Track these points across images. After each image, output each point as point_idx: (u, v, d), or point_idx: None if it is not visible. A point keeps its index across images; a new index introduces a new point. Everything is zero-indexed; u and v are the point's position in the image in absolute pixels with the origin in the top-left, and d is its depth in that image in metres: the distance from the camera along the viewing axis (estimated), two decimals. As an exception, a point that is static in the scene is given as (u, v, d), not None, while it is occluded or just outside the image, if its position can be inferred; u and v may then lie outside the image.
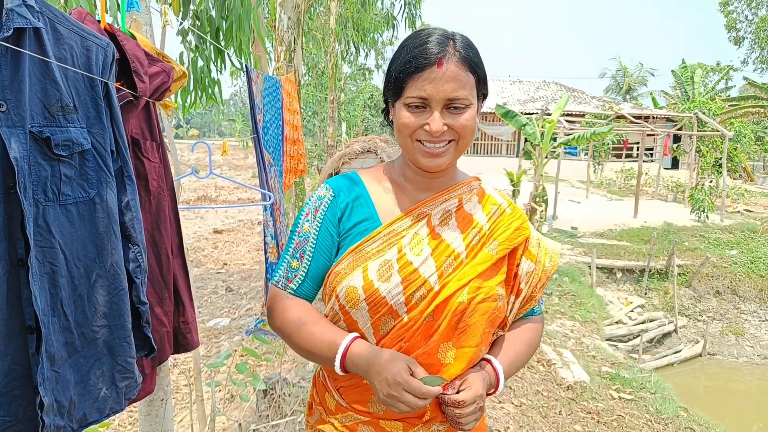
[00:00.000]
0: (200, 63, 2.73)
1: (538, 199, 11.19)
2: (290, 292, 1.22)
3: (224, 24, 2.67)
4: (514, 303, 1.27)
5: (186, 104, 2.74)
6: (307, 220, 1.23)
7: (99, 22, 1.33)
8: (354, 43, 8.96)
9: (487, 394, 1.17)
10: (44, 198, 1.11)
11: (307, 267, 1.21)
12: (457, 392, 1.12)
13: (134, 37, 1.44)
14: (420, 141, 1.14)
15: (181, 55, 2.68)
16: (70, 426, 1.19)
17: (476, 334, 1.16)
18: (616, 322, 9.87)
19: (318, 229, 1.21)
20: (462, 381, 1.13)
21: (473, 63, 1.13)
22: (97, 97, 1.20)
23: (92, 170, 1.19)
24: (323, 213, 1.22)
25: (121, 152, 1.26)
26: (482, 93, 1.19)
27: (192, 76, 2.71)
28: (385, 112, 1.24)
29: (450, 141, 1.15)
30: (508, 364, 1.22)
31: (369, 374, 1.08)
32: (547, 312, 7.64)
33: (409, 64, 1.11)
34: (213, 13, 2.65)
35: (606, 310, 9.69)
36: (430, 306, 1.14)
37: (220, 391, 3.87)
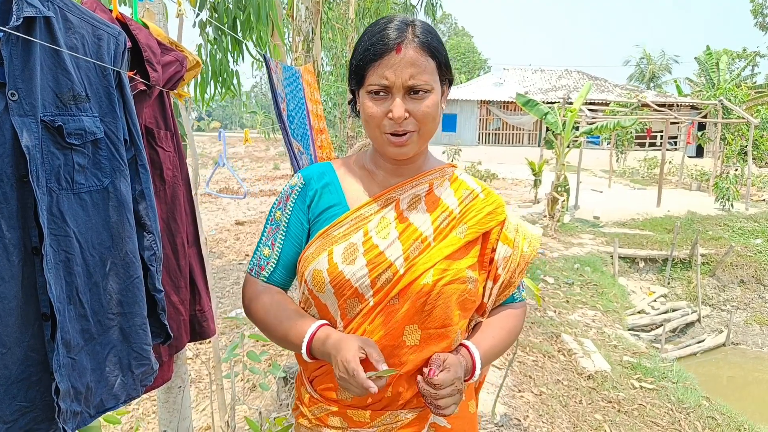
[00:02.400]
0: (218, 55, 2.74)
1: (559, 189, 11.07)
2: (263, 280, 1.25)
3: (242, 15, 2.67)
4: (492, 289, 1.27)
5: (205, 97, 2.75)
6: (279, 209, 1.26)
7: (111, 11, 1.33)
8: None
9: (464, 380, 1.16)
10: (58, 187, 1.11)
11: (278, 254, 1.24)
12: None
13: (147, 27, 1.44)
14: (388, 134, 1.14)
15: (199, 47, 2.69)
16: (87, 412, 1.20)
17: (443, 317, 1.16)
18: (639, 312, 9.74)
19: (288, 216, 1.24)
20: (442, 363, 1.12)
21: (432, 48, 1.13)
22: (109, 86, 1.20)
23: (105, 159, 1.20)
24: (293, 201, 1.24)
25: (135, 141, 1.26)
26: (446, 78, 1.20)
27: (210, 69, 2.72)
28: (353, 102, 1.24)
29: (412, 131, 1.15)
30: (485, 350, 1.21)
31: (329, 357, 1.10)
32: (568, 302, 7.57)
33: (368, 51, 1.12)
34: (231, 4, 2.65)
35: (628, 300, 9.57)
36: (395, 288, 1.14)
37: (242, 380, 3.91)
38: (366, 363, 1.05)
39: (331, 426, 1.21)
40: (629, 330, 8.16)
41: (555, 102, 14.03)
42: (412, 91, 1.12)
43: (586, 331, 6.64)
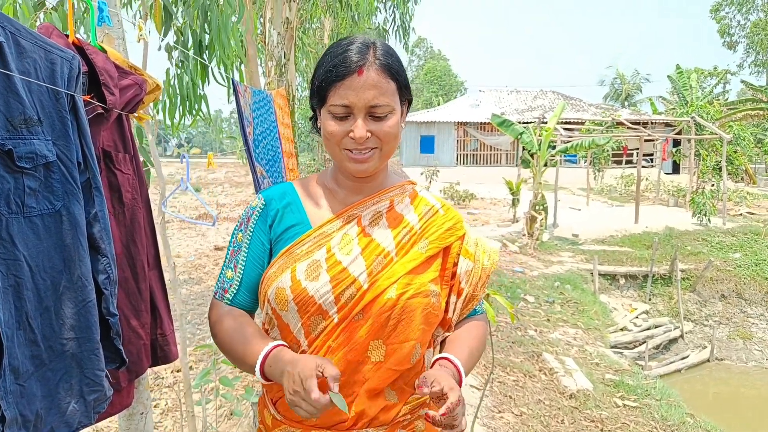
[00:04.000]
0: (186, 79, 2.74)
1: (537, 208, 11.18)
2: (227, 302, 1.24)
3: (207, 37, 2.69)
4: (456, 303, 1.29)
5: (174, 121, 2.74)
6: (240, 230, 1.26)
7: (67, 36, 1.34)
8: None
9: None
10: (8, 210, 1.10)
11: (240, 276, 1.24)
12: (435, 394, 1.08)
13: (105, 51, 1.45)
14: (348, 150, 1.16)
15: (167, 71, 2.69)
16: (38, 440, 1.17)
17: (408, 331, 1.16)
18: (621, 329, 9.78)
19: (250, 238, 1.24)
20: (431, 380, 1.09)
21: (393, 70, 1.16)
22: (62, 109, 1.20)
23: (58, 182, 1.19)
24: (254, 222, 1.25)
25: (89, 164, 1.26)
26: (406, 99, 1.22)
27: (179, 93, 2.72)
28: (313, 119, 1.26)
29: (374, 148, 1.17)
30: (464, 360, 1.22)
31: (282, 376, 1.06)
32: (548, 320, 7.59)
33: (330, 72, 1.13)
34: (197, 28, 2.67)
35: (610, 317, 9.62)
36: (359, 304, 1.15)
37: (216, 407, 3.84)
38: (321, 386, 1.03)
39: None
40: (612, 348, 8.19)
41: (531, 122, 14.26)
42: (374, 112, 1.14)
43: (568, 350, 6.66)
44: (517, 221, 13.12)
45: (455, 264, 1.27)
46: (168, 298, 1.68)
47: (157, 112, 2.55)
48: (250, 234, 1.24)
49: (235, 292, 1.24)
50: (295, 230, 1.22)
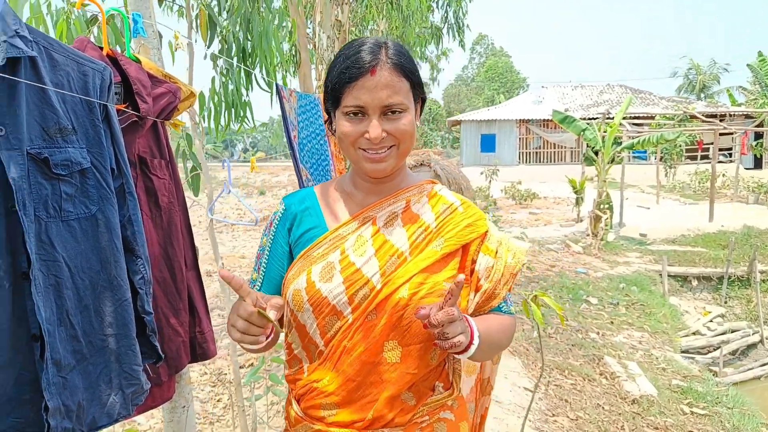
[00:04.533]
0: (231, 86, 2.83)
1: (602, 207, 10.79)
2: None
3: (249, 45, 2.77)
4: (473, 300, 1.26)
5: (219, 128, 2.84)
6: (265, 234, 1.31)
7: (101, 48, 1.42)
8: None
9: (460, 352, 1.10)
10: (46, 215, 1.18)
11: (263, 278, 1.28)
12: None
13: (139, 61, 1.52)
14: (363, 149, 1.17)
15: (213, 79, 2.79)
16: (79, 428, 1.25)
17: (423, 332, 1.14)
18: (693, 333, 9.28)
19: (271, 241, 1.28)
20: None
21: (406, 69, 1.16)
22: (95, 118, 1.28)
23: (93, 188, 1.27)
24: (276, 226, 1.29)
25: (122, 170, 1.33)
26: (419, 97, 1.23)
27: (223, 100, 2.82)
28: (329, 122, 1.27)
29: (391, 146, 1.17)
30: (479, 326, 1.14)
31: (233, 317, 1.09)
32: (612, 323, 7.30)
33: (343, 74, 1.14)
34: (240, 36, 2.75)
35: (681, 321, 9.14)
36: (372, 304, 1.15)
37: (272, 403, 3.94)
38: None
39: None
40: (683, 352, 7.79)
41: (596, 118, 13.79)
42: (388, 111, 1.15)
43: (632, 354, 6.39)
44: (581, 221, 12.71)
45: (474, 261, 1.25)
46: (206, 298, 1.75)
47: (204, 118, 2.65)
48: (272, 238, 1.28)
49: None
50: (312, 233, 1.24)
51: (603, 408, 4.58)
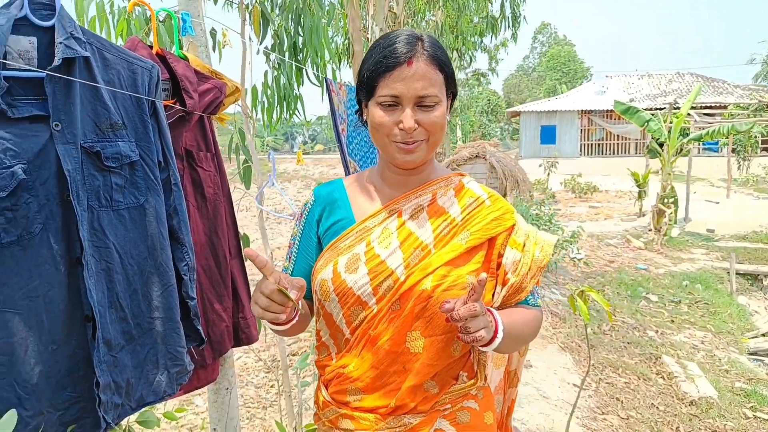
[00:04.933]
0: (283, 80, 2.91)
1: (666, 201, 10.36)
2: None
3: (300, 39, 2.83)
4: (500, 293, 1.26)
5: (272, 121, 2.92)
6: (296, 225, 1.35)
7: (151, 47, 1.50)
8: (455, 49, 8.94)
9: (484, 345, 1.11)
10: (98, 204, 1.27)
11: (293, 267, 1.33)
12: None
13: (187, 59, 1.60)
14: (396, 141, 1.18)
15: (265, 74, 2.88)
16: (128, 404, 1.34)
17: (445, 323, 1.15)
18: (763, 335, 8.79)
19: (301, 232, 1.33)
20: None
21: (441, 61, 1.17)
22: (143, 114, 1.35)
23: (141, 179, 1.35)
24: (305, 217, 1.33)
25: (169, 162, 1.41)
26: (451, 91, 1.23)
27: (276, 94, 2.90)
28: (360, 113, 1.29)
29: (422, 139, 1.18)
30: (504, 320, 1.15)
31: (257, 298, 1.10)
32: (672, 321, 7.03)
33: (379, 64, 1.16)
34: (291, 31, 2.82)
35: (749, 321, 8.68)
36: (396, 295, 1.17)
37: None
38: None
39: (341, 428, 1.25)
40: (750, 354, 7.41)
41: (662, 108, 13.21)
42: (422, 103, 1.16)
43: (693, 354, 6.13)
44: (644, 215, 12.26)
45: (500, 255, 1.26)
46: (249, 285, 1.82)
47: (257, 111, 2.74)
48: (302, 228, 1.33)
49: None
50: (339, 225, 1.28)
51: (657, 408, 4.43)
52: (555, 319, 6.33)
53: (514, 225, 1.28)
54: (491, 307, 1.27)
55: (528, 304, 1.30)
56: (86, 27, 2.22)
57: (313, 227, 1.31)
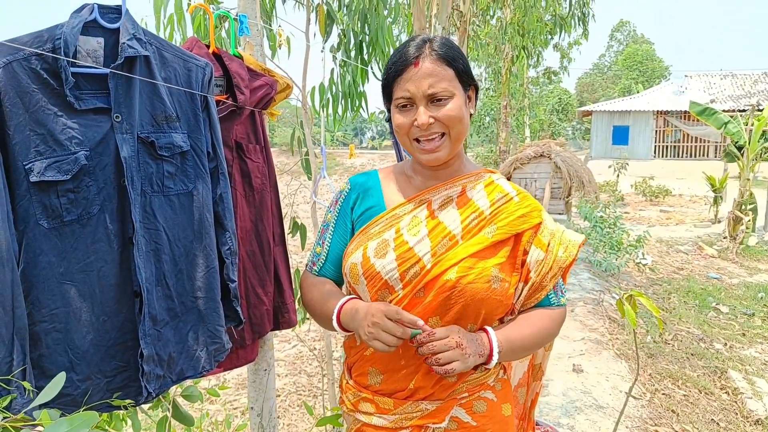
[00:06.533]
0: (348, 78, 3.00)
1: (743, 207, 9.79)
2: (315, 274, 1.41)
3: (367, 38, 2.91)
4: (522, 290, 1.29)
5: (336, 116, 3.02)
6: (329, 212, 1.42)
7: (208, 46, 1.60)
8: (522, 47, 8.77)
9: (478, 366, 1.22)
10: (151, 189, 1.38)
11: (326, 251, 1.39)
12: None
13: (241, 57, 1.70)
14: (417, 140, 1.24)
15: (331, 71, 2.98)
16: (169, 377, 1.45)
17: (466, 314, 1.20)
18: None
19: (336, 218, 1.39)
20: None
21: (449, 57, 1.22)
22: (196, 108, 1.46)
23: (191, 168, 1.45)
24: (340, 204, 1.39)
25: (217, 153, 1.51)
26: (470, 84, 1.27)
27: (341, 91, 2.99)
28: (389, 120, 1.34)
29: (442, 134, 1.23)
30: (506, 337, 1.23)
31: (355, 322, 1.20)
32: (744, 335, 6.67)
33: (391, 69, 1.24)
34: (357, 30, 2.90)
35: (834, 340, 8.10)
36: (422, 281, 1.22)
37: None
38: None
39: (362, 411, 1.32)
40: (831, 375, 6.92)
41: (746, 110, 12.46)
42: (434, 99, 1.22)
43: (763, 370, 5.80)
44: (719, 222, 11.64)
45: (525, 252, 1.28)
46: (290, 272, 1.91)
47: (323, 107, 2.85)
48: (336, 215, 1.40)
49: (321, 265, 1.41)
50: (371, 212, 1.34)
51: (717, 424, 4.24)
52: (613, 324, 6.15)
53: (540, 223, 1.30)
54: (514, 307, 1.30)
55: (550, 302, 1.32)
56: (164, 23, 2.39)
57: (348, 213, 1.38)
